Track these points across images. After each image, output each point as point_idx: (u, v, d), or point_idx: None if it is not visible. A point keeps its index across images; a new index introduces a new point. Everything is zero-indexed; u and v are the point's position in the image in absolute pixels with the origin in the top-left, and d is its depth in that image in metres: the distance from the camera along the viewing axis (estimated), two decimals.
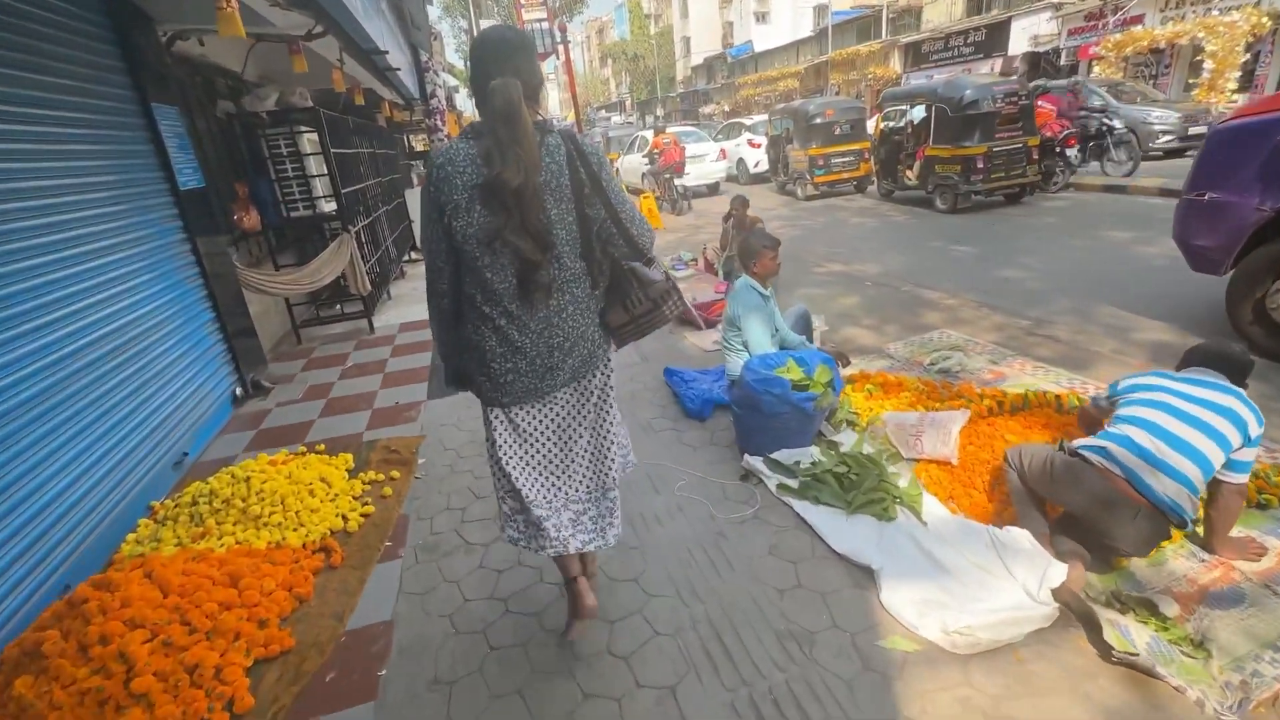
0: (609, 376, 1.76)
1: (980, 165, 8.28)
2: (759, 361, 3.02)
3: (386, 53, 5.67)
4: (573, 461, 1.75)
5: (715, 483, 2.75)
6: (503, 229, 1.45)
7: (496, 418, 1.70)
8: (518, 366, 1.59)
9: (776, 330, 3.51)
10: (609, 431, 1.76)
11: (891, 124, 10.55)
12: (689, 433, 3.23)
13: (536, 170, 1.45)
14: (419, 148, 13.37)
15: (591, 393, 1.72)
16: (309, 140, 5.05)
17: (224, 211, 4.68)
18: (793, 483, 2.62)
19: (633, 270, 1.68)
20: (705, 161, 14.34)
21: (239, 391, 4.11)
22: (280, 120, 4.92)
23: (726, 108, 37.58)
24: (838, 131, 11.34)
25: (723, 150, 14.75)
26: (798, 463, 2.73)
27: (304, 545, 2.50)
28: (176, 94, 3.96)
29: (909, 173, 9.77)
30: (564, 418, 1.72)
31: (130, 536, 2.64)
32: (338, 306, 5.60)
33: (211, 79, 4.74)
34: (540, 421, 1.71)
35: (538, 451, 1.73)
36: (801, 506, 2.48)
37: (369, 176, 7.07)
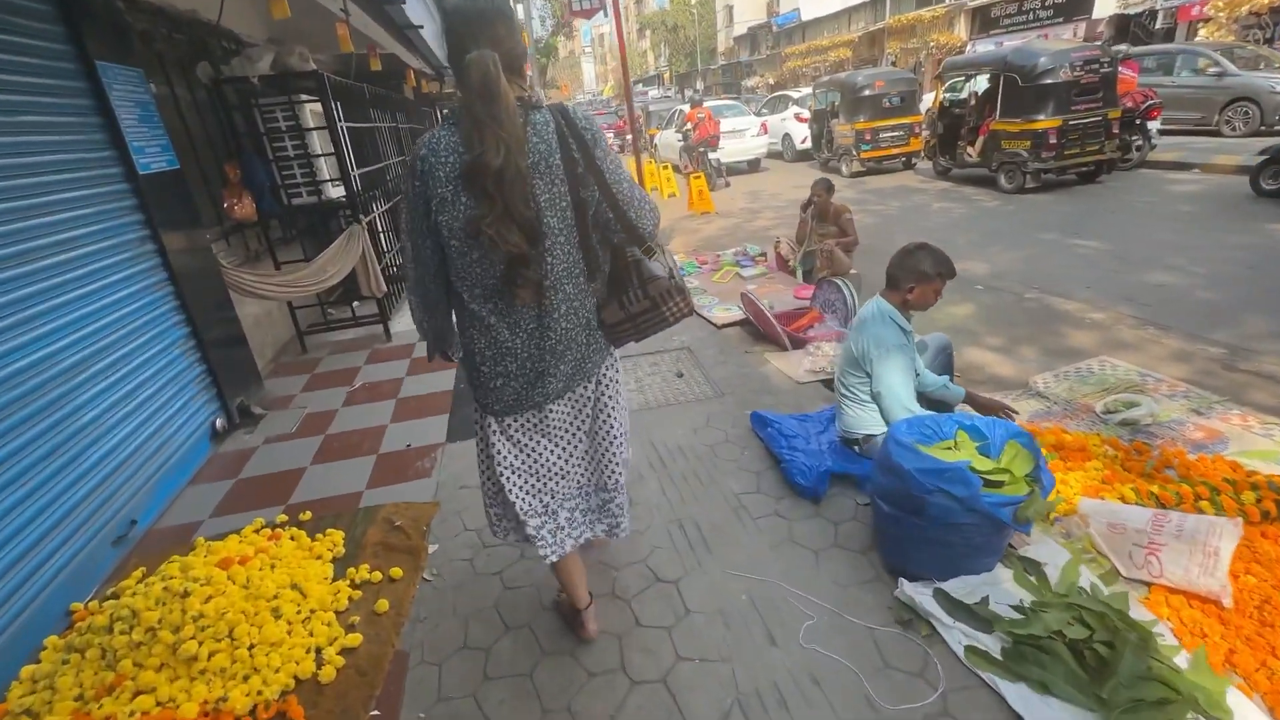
0: (612, 381, 1.63)
1: (1053, 141, 7.53)
2: (910, 430, 2.08)
3: (403, 1, 4.77)
4: (570, 468, 1.67)
5: (859, 626, 1.83)
6: (485, 218, 1.30)
7: (489, 426, 1.60)
8: (508, 370, 1.48)
9: (916, 374, 2.55)
10: (612, 435, 1.64)
11: (952, 96, 9.70)
12: (801, 523, 2.31)
13: (520, 150, 1.30)
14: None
15: (586, 401, 1.61)
16: (312, 112, 4.21)
17: (211, 199, 3.90)
18: (990, 643, 1.69)
19: (636, 263, 1.53)
20: (745, 137, 13.31)
21: (220, 424, 3.35)
22: (277, 87, 4.09)
23: (771, 80, 35.75)
24: (887, 104, 10.64)
25: (764, 124, 13.59)
26: (985, 600, 1.80)
27: (252, 711, 1.69)
28: (137, 52, 3.14)
29: (970, 149, 8.94)
30: (560, 427, 1.62)
31: (26, 673, 1.87)
32: (350, 308, 4.80)
33: (193, 35, 3.91)
34: (535, 431, 1.61)
35: (534, 462, 1.62)
36: (1017, 695, 1.55)
37: (391, 155, 6.24)
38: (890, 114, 10.76)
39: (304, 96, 4.15)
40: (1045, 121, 7.56)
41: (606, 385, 1.62)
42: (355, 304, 4.77)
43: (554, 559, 1.66)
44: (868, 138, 10.79)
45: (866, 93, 10.66)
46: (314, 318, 4.89)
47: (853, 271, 5.04)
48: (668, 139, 15.03)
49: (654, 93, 43.89)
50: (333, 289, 4.47)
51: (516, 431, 1.59)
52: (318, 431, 3.39)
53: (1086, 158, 7.83)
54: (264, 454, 3.23)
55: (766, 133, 13.80)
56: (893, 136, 10.85)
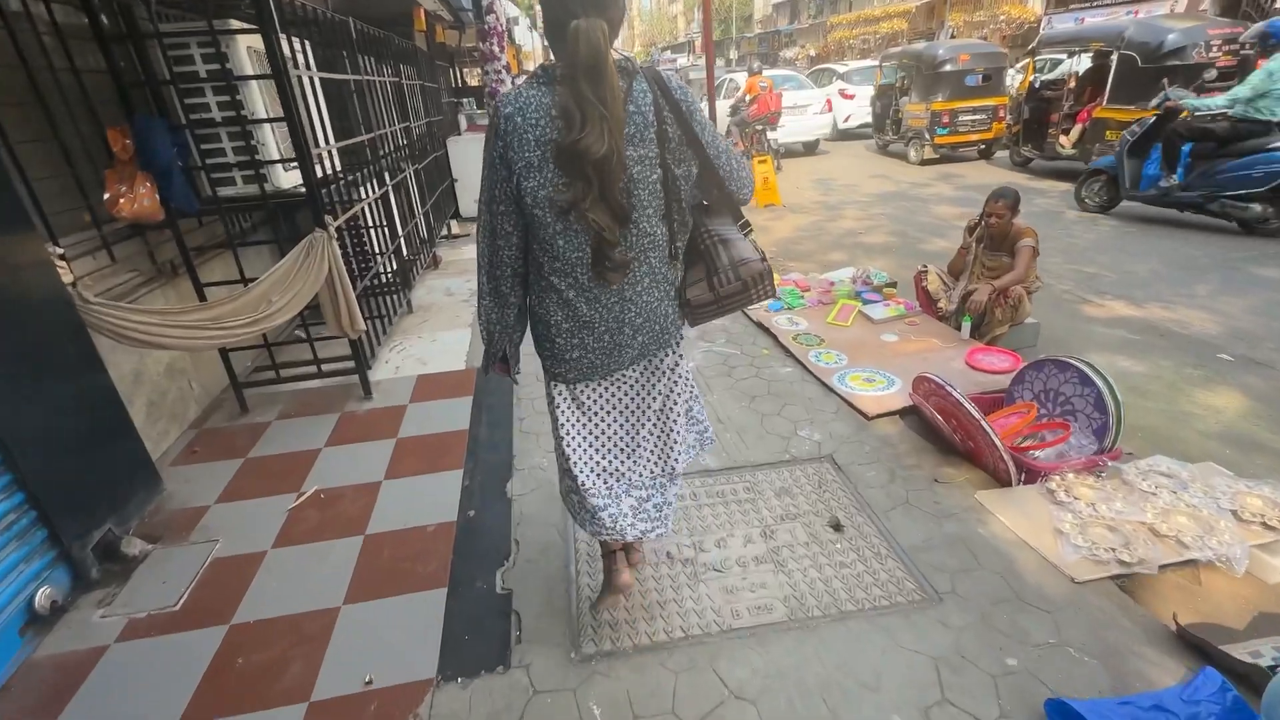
0: (680, 355, 1.58)
1: None
2: None
3: None
4: (639, 444, 1.61)
5: None
6: (580, 201, 1.25)
7: (560, 394, 1.55)
8: (584, 343, 1.44)
9: None
10: (677, 416, 1.60)
11: (1044, 76, 8.39)
12: None
13: (621, 132, 1.23)
14: (473, 82, 10.88)
15: (662, 372, 1.57)
16: (252, 52, 2.68)
17: (78, 184, 2.40)
18: None
19: (724, 243, 1.48)
20: (806, 114, 11.64)
21: (46, 600, 1.91)
22: (190, 5, 2.54)
23: (812, 52, 33.35)
24: (969, 83, 9.24)
25: (828, 101, 11.85)
26: None
27: None
28: None
29: (1063, 139, 7.67)
30: (630, 398, 1.58)
31: None
32: (310, 347, 3.29)
33: None
34: (606, 400, 1.57)
35: (602, 432, 1.59)
36: None
37: (389, 120, 4.70)
38: (973, 94, 9.31)
39: (236, 24, 2.60)
40: None
41: (677, 363, 1.57)
42: (317, 341, 3.25)
43: (605, 539, 1.64)
44: (945, 120, 9.36)
45: (948, 68, 9.28)
46: (259, 359, 3.40)
47: (1029, 320, 3.50)
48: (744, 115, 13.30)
49: (682, 60, 41.49)
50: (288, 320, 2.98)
51: (588, 398, 1.56)
52: (217, 615, 1.94)
53: None
54: (112, 662, 1.79)
55: (831, 110, 12.02)
56: (974, 120, 9.43)
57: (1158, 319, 3.92)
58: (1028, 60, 8.92)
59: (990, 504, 2.22)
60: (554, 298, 1.41)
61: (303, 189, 2.78)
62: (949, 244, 5.74)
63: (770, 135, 9.98)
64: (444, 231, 6.74)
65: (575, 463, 1.56)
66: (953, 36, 23.34)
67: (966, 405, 2.32)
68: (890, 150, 11.46)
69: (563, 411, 1.55)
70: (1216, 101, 5.40)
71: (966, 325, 3.40)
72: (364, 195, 3.81)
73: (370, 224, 4.08)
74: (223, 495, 2.52)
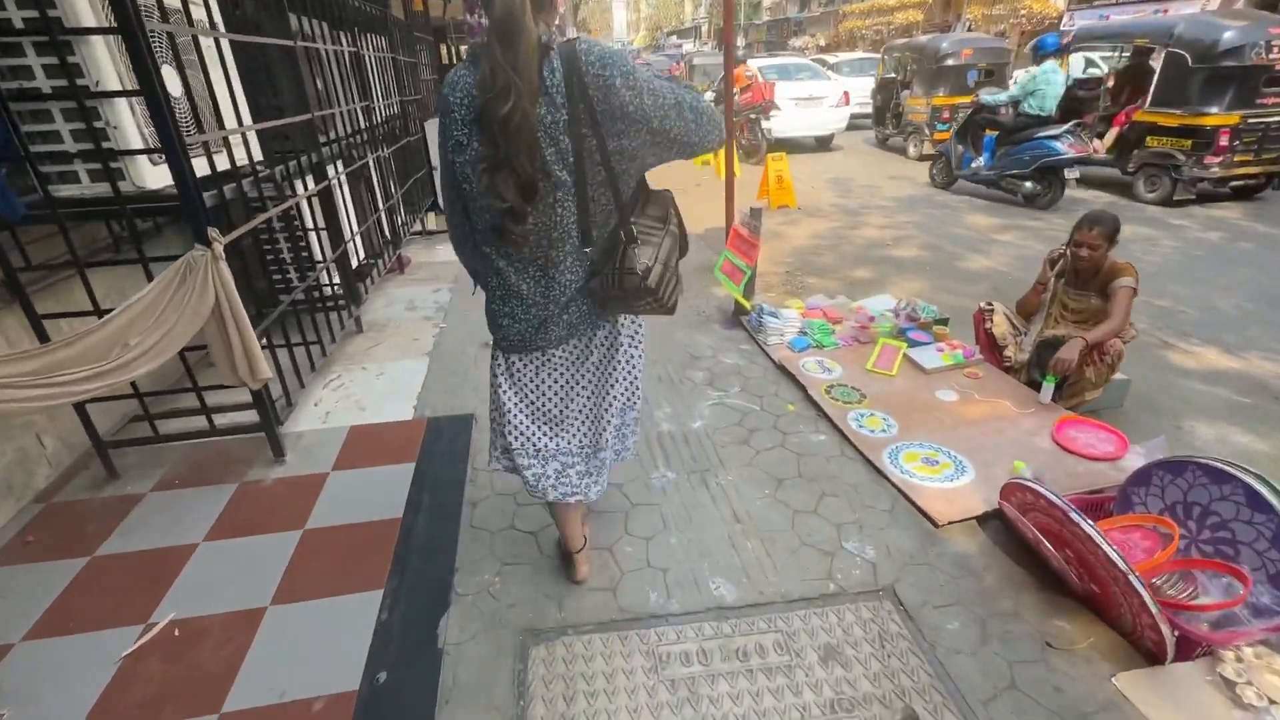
0: (616, 334, 1.58)
1: (1223, 143, 5.88)
2: None
3: None
4: (567, 419, 1.64)
5: None
6: (483, 163, 1.24)
7: (497, 360, 1.61)
8: (514, 312, 1.47)
9: None
10: (609, 393, 1.61)
11: (1078, 75, 7.93)
12: None
13: (532, 98, 1.20)
14: (453, 59, 10.01)
15: (591, 351, 1.58)
16: None
17: None
18: None
19: (630, 243, 1.37)
20: (821, 106, 10.88)
21: None
22: None
23: (822, 41, 32.37)
24: (971, 78, 9.02)
25: (845, 94, 11.05)
26: None
27: None
28: None
29: (1097, 142, 7.09)
30: (561, 375, 1.60)
31: None
32: (198, 396, 2.52)
33: None
34: (538, 374, 1.60)
35: (533, 403, 1.62)
36: None
37: (345, 98, 3.92)
38: (975, 89, 8.83)
39: None
40: (1218, 116, 5.87)
41: (615, 341, 1.59)
42: (209, 388, 2.49)
43: (538, 499, 1.73)
44: (945, 115, 9.05)
45: (950, 62, 9.07)
46: (132, 408, 2.62)
47: (1118, 376, 2.79)
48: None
49: (688, 45, 40.39)
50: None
51: (520, 371, 1.60)
52: None
53: (1259, 167, 6.14)
54: None
55: (848, 103, 11.21)
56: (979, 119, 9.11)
57: (1265, 374, 3.22)
58: (1065, 56, 8.28)
59: (1138, 697, 1.51)
60: (490, 265, 1.45)
61: (172, 191, 2.01)
62: (992, 264, 5.02)
63: (765, 124, 9.93)
64: (417, 227, 5.96)
65: (508, 425, 1.62)
66: (969, 30, 22.49)
67: (1099, 541, 1.60)
68: (890, 144, 11.18)
69: (500, 376, 1.61)
70: (999, 98, 6.81)
71: (1049, 387, 2.68)
72: (301, 190, 3.05)
73: (311, 225, 3.32)
74: (38, 626, 1.79)
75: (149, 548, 2.07)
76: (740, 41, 42.69)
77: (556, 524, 1.89)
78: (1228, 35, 5.86)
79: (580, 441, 1.67)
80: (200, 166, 2.15)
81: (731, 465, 2.44)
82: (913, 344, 3.22)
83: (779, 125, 10.88)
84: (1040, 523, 1.84)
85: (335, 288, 3.56)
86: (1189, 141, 6.11)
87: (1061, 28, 17.74)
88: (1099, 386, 2.67)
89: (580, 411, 1.64)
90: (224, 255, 2.08)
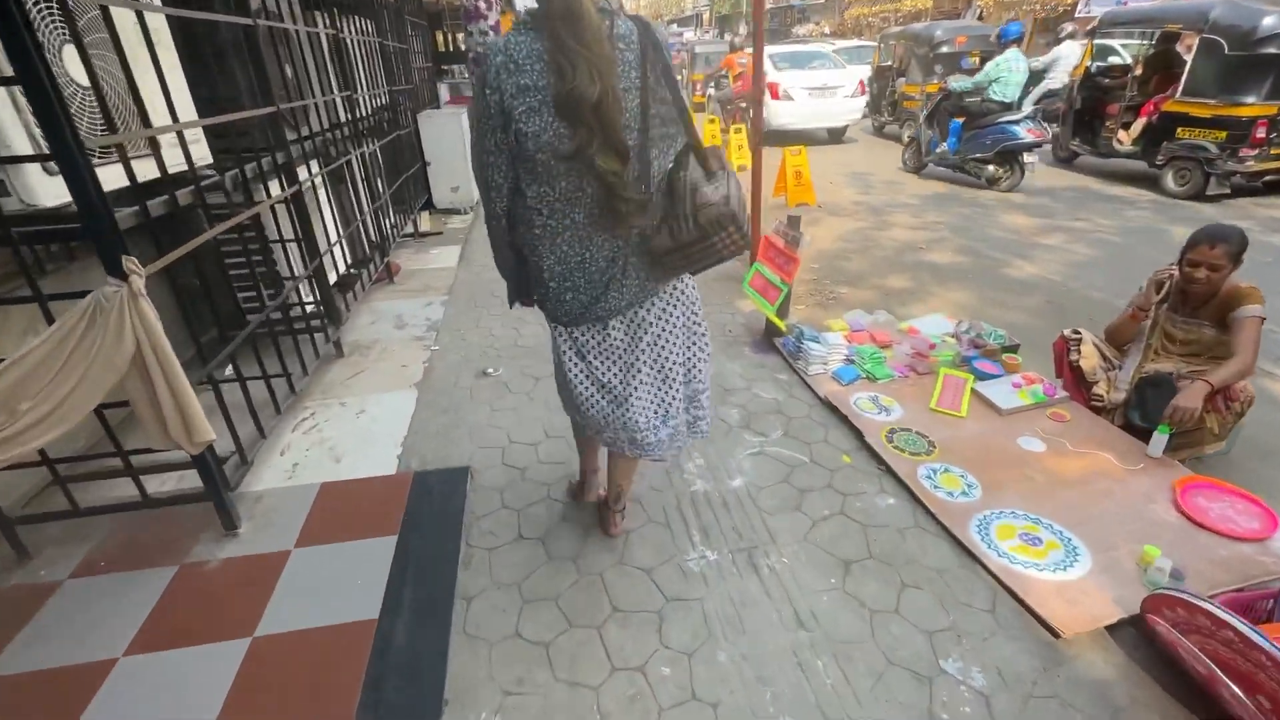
0: (673, 306, 1.58)
1: (1260, 134, 5.56)
2: None
3: None
4: (633, 393, 1.61)
5: None
6: (586, 147, 1.26)
7: (559, 335, 1.62)
8: (577, 285, 1.47)
9: None
10: (673, 365, 1.62)
11: (1101, 62, 7.55)
12: None
13: (613, 72, 1.24)
14: (462, 46, 9.49)
15: (649, 324, 1.57)
16: None
17: None
18: None
19: (692, 189, 1.36)
20: (835, 96, 10.43)
21: None
22: None
23: (827, 29, 31.65)
24: (965, 66, 8.73)
25: (861, 83, 10.59)
26: None
27: None
28: None
29: (1122, 133, 6.84)
30: (623, 348, 1.60)
31: None
32: (122, 460, 2.06)
33: None
34: (601, 346, 1.60)
35: (599, 376, 1.62)
36: None
37: (322, 88, 3.44)
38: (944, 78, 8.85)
39: None
40: (1256, 107, 5.52)
41: (669, 311, 1.58)
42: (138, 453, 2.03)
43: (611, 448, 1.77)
44: (861, 93, 9.75)
45: (944, 49, 9.22)
46: (47, 476, 2.15)
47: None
48: (730, 92, 12.01)
49: (689, 34, 39.58)
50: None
51: (585, 341, 1.60)
52: None
53: None
54: None
55: (865, 92, 10.72)
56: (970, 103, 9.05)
57: None
58: (1088, 42, 7.82)
59: None
60: (548, 240, 1.43)
61: (71, 209, 1.54)
62: (1040, 271, 4.56)
63: (775, 122, 10.01)
64: (409, 229, 5.48)
65: (579, 397, 1.63)
66: (980, 18, 21.85)
67: (1232, 628, 1.16)
68: (886, 131, 11.19)
69: (565, 353, 1.61)
70: (965, 84, 7.01)
71: (1161, 438, 2.23)
72: (267, 196, 2.59)
73: (282, 236, 2.86)
74: None
75: (55, 666, 1.62)
76: (742, 29, 41.91)
77: (581, 455, 2.11)
78: (1268, 21, 5.47)
79: (648, 417, 1.64)
80: (116, 176, 1.69)
81: (784, 540, 2.00)
82: (980, 376, 2.76)
83: (790, 116, 10.40)
84: (1211, 650, 1.40)
85: (312, 306, 3.10)
86: (1223, 133, 5.75)
87: (1076, 14, 17.18)
88: (1222, 439, 2.22)
89: (645, 386, 1.62)
90: (145, 290, 1.62)
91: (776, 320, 3.14)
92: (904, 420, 2.53)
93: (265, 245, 2.81)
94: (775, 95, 10.43)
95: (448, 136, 6.09)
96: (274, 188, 2.81)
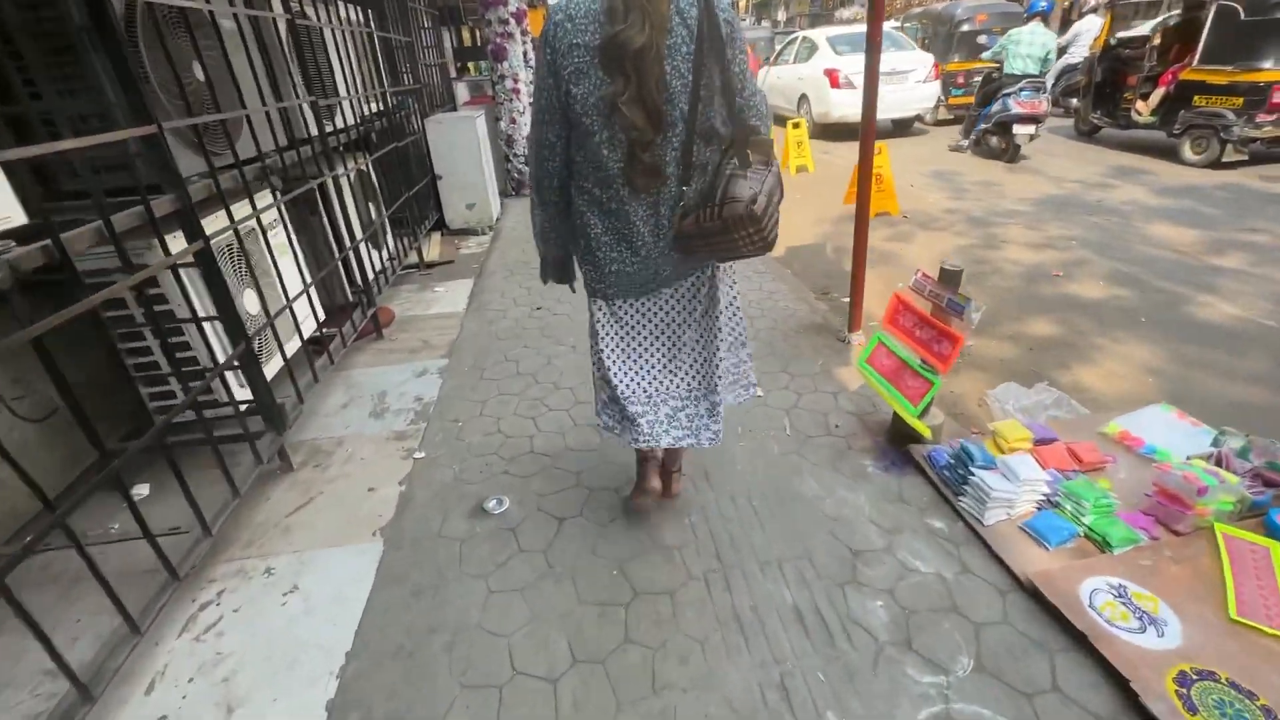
0: (716, 278, 1.60)
1: (1277, 99, 5.48)
2: None
3: None
4: (678, 361, 1.66)
5: None
6: (619, 97, 1.26)
7: (599, 309, 1.61)
8: (623, 256, 1.48)
9: None
10: (718, 332, 1.62)
11: (1123, 33, 7.47)
12: None
13: (664, 31, 1.24)
14: (470, 41, 8.64)
15: (700, 290, 1.60)
16: None
17: None
18: None
19: (730, 179, 1.34)
20: (906, 82, 9.19)
21: None
22: None
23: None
24: (983, 43, 9.06)
25: (936, 66, 9.29)
26: None
27: None
28: None
29: (1141, 104, 6.80)
30: (670, 316, 1.62)
31: None
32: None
33: None
34: (645, 318, 1.62)
35: (641, 348, 1.64)
36: None
37: (280, 92, 2.52)
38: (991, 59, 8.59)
39: None
40: (1273, 71, 5.50)
41: (717, 280, 1.60)
42: None
43: (643, 446, 1.66)
44: (960, 81, 9.40)
45: (965, 28, 9.37)
46: None
47: None
48: (783, 80, 10.83)
49: None
50: None
51: (627, 315, 1.61)
52: None
53: None
54: None
55: (939, 77, 9.41)
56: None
57: None
58: (1108, 14, 7.68)
59: None
60: (596, 210, 1.45)
61: None
62: (1242, 312, 3.36)
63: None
64: (412, 258, 4.56)
65: (614, 373, 1.61)
66: None
67: None
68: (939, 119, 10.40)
69: (602, 327, 1.60)
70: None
71: None
72: (166, 252, 1.66)
73: (193, 311, 1.93)
74: None
75: None
76: (780, 15, 40.18)
77: (640, 469, 1.88)
78: None
79: (690, 383, 1.67)
80: None
81: None
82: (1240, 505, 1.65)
83: (853, 106, 9.13)
84: None
85: (239, 408, 2.16)
86: (1240, 100, 5.70)
87: None
88: None
89: (691, 351, 1.64)
90: None
91: (920, 427, 2.08)
92: (1195, 648, 1.44)
93: (168, 324, 1.89)
94: (836, 83, 9.25)
95: (461, 144, 5.15)
96: (181, 241, 1.90)
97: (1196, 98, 6.08)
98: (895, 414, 2.22)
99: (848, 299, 3.55)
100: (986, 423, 2.41)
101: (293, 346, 2.56)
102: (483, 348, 3.28)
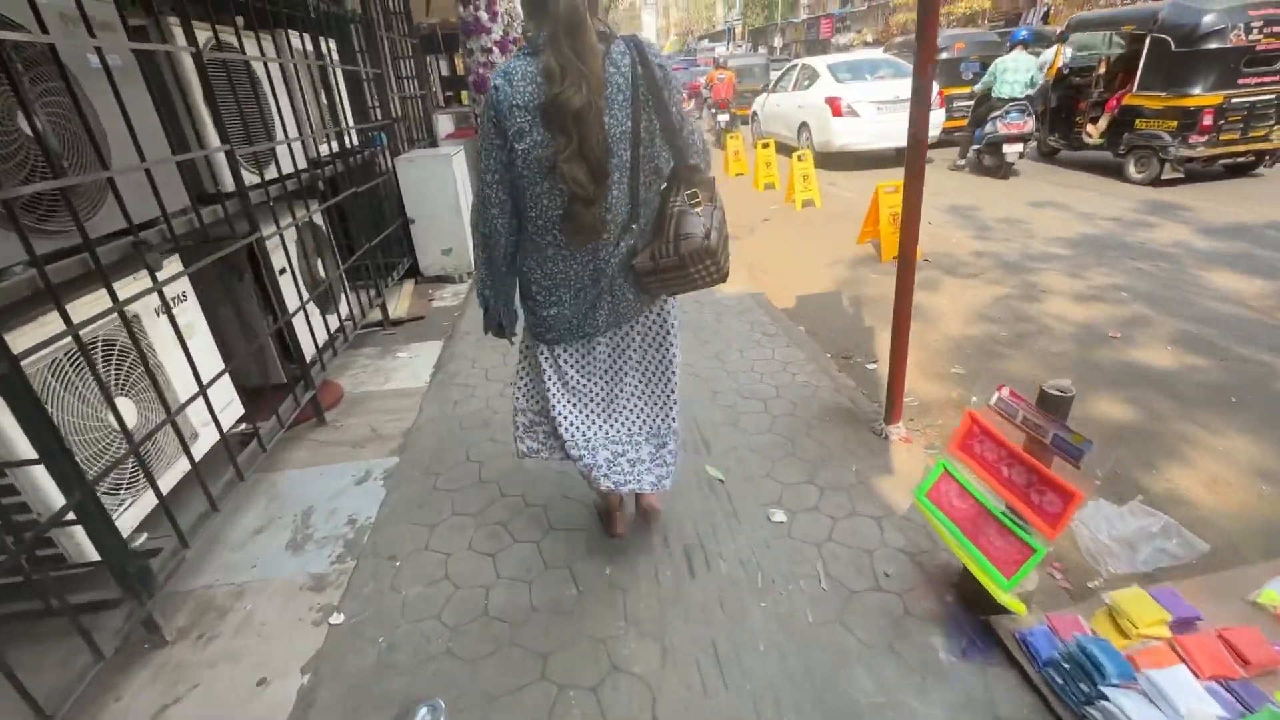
0: (664, 317, 1.63)
1: (1207, 122, 5.99)
2: None
3: None
4: (616, 406, 1.66)
5: None
6: (561, 153, 1.30)
7: (541, 353, 1.62)
8: (561, 300, 1.50)
9: None
10: (671, 376, 1.65)
11: (1072, 63, 7.86)
12: None
13: (600, 90, 1.30)
14: (461, 70, 8.20)
15: (635, 335, 1.63)
16: None
17: None
18: None
19: (680, 215, 1.41)
20: (908, 110, 8.56)
21: None
22: None
23: (870, 37, 29.89)
24: (963, 71, 9.46)
25: (941, 92, 8.96)
26: None
27: None
28: None
29: (1090, 127, 7.35)
30: (608, 362, 1.64)
31: None
32: None
33: None
34: (584, 363, 1.64)
35: (579, 392, 1.64)
36: None
37: (205, 137, 2.01)
38: (969, 83, 9.06)
39: None
40: (1201, 97, 6.06)
41: (659, 323, 1.63)
42: None
43: (598, 487, 1.67)
44: (939, 105, 9.23)
45: (943, 55, 9.42)
46: None
47: None
48: (782, 108, 10.51)
49: (721, 49, 38.33)
50: None
51: (566, 360, 1.62)
52: None
53: (1247, 145, 6.25)
54: None
55: (944, 105, 9.05)
56: (967, 107, 8.89)
57: None
58: (1058, 45, 7.98)
59: None
60: (536, 256, 1.47)
61: None
62: None
63: (721, 118, 11.70)
64: (377, 316, 4.01)
65: (558, 417, 1.62)
66: (1046, 18, 19.85)
67: None
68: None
69: (545, 369, 1.61)
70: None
71: None
72: None
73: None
74: None
75: None
76: (776, 42, 40.42)
77: (602, 503, 1.95)
78: (1208, 19, 5.93)
79: (630, 427, 1.67)
80: None
81: None
82: None
83: (855, 135, 8.81)
84: None
85: (79, 566, 1.59)
86: (1174, 122, 6.20)
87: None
88: None
89: (631, 396, 1.66)
90: None
91: (1014, 605, 1.50)
92: None
93: None
94: (838, 112, 8.89)
95: (435, 184, 4.64)
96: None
97: (1138, 121, 6.60)
98: (963, 569, 1.65)
99: (873, 364, 2.98)
100: (1075, 557, 1.84)
101: (206, 441, 2.00)
102: (442, 440, 2.71)
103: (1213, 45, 5.95)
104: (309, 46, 3.43)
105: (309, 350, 2.91)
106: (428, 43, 9.68)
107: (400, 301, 4.42)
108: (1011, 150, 7.29)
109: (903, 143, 9.39)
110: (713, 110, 12.40)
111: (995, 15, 22.33)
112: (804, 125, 9.75)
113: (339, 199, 3.53)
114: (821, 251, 5.37)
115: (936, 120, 9.05)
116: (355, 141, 4.18)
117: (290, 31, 3.25)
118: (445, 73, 9.09)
